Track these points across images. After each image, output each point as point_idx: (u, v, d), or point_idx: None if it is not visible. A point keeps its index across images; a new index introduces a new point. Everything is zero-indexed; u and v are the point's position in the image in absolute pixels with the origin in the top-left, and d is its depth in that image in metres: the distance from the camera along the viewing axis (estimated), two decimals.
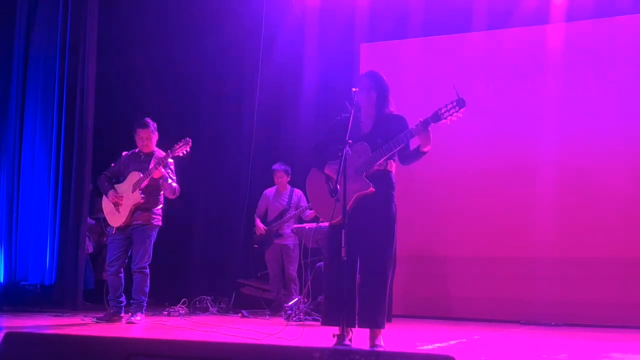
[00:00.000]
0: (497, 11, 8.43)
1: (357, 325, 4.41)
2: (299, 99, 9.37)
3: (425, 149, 4.44)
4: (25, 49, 8.35)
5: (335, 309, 4.23)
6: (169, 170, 6.52)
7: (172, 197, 6.54)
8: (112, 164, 6.70)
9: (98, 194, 7.21)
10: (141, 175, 6.37)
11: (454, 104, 4.32)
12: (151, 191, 6.43)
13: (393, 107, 4.65)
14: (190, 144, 6.37)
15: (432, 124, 4.36)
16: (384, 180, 4.51)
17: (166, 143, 6.61)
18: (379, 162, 4.46)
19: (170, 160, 6.51)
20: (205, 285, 9.00)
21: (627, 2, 7.90)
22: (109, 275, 6.50)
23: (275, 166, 8.20)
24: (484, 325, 7.11)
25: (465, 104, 4.31)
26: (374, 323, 4.41)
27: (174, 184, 6.47)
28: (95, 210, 9.08)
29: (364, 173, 4.47)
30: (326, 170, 4.58)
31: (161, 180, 6.35)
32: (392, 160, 4.56)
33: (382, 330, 4.45)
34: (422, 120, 4.38)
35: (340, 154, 4.24)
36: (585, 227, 7.70)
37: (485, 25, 8.48)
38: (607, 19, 7.99)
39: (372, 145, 4.50)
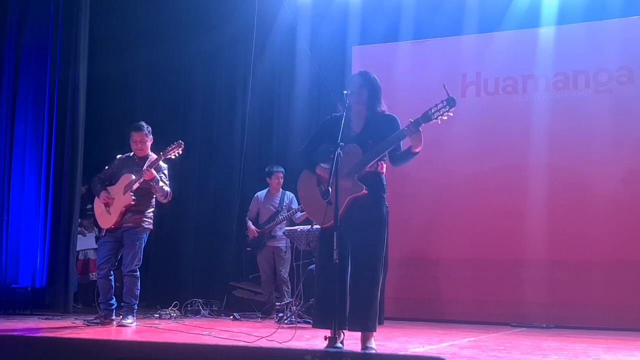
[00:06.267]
0: (488, 14, 8.47)
1: (347, 328, 4.41)
2: (291, 102, 9.39)
3: (417, 150, 4.45)
4: (16, 50, 8.32)
5: (327, 311, 4.22)
6: (162, 175, 6.50)
7: (163, 200, 6.51)
8: (106, 167, 6.68)
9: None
10: (133, 177, 6.35)
11: (444, 103, 4.33)
12: (143, 194, 6.41)
13: (384, 107, 4.65)
14: (183, 146, 6.37)
15: (422, 124, 4.36)
16: (375, 182, 4.51)
17: (157, 145, 6.61)
18: (370, 163, 4.47)
19: (164, 164, 6.50)
20: (197, 288, 9.00)
21: (617, 6, 7.95)
22: (98, 278, 6.47)
23: (274, 168, 8.20)
24: (475, 327, 7.12)
25: (455, 103, 4.31)
26: (365, 326, 4.41)
27: (166, 187, 6.45)
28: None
29: (356, 175, 4.47)
30: (318, 172, 4.57)
31: (152, 182, 6.32)
32: (382, 162, 4.56)
33: (373, 332, 4.46)
34: (412, 120, 4.39)
35: (331, 156, 4.24)
36: (575, 230, 7.74)
37: (476, 28, 8.52)
38: (597, 22, 8.04)
39: (362, 147, 4.49)
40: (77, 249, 9.29)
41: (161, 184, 6.39)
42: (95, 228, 9.09)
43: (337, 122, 4.43)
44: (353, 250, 4.42)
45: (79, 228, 9.32)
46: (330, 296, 4.17)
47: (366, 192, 4.43)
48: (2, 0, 8.33)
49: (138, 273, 6.40)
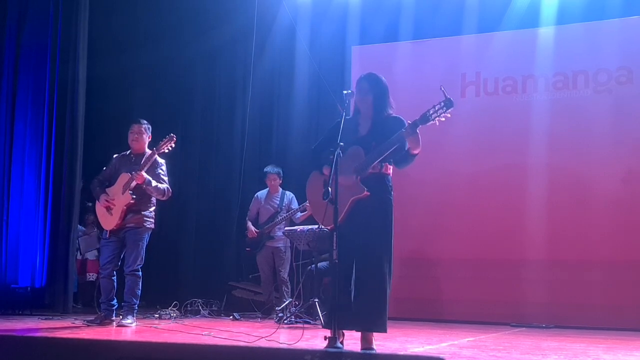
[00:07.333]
0: (488, 14, 8.47)
1: (356, 328, 4.42)
2: (291, 102, 9.39)
3: (415, 152, 4.45)
4: (15, 49, 8.32)
5: (337, 311, 4.23)
6: (160, 171, 6.50)
7: (162, 198, 6.52)
8: (104, 168, 6.68)
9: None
10: (130, 176, 6.34)
11: (442, 104, 4.34)
12: (142, 193, 6.39)
13: (391, 110, 4.65)
14: (175, 139, 6.40)
15: (420, 125, 4.37)
16: (379, 184, 4.51)
17: (156, 146, 6.60)
18: (372, 165, 4.47)
19: (161, 160, 6.50)
20: (197, 288, 9.01)
21: (617, 6, 7.96)
22: (101, 277, 6.47)
23: (268, 169, 8.19)
24: (475, 327, 7.13)
25: (453, 105, 4.32)
26: (374, 326, 4.41)
27: (162, 186, 6.44)
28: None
29: (358, 177, 4.48)
30: (325, 171, 4.57)
31: (144, 185, 6.32)
32: (387, 164, 4.56)
33: (373, 333, 4.46)
34: (410, 122, 4.40)
35: (331, 157, 4.25)
36: (575, 230, 7.74)
37: (475, 28, 8.52)
38: (597, 22, 8.04)
39: (365, 149, 4.50)
40: (84, 250, 9.34)
41: (154, 183, 6.37)
42: (96, 228, 9.11)
43: (347, 123, 4.44)
44: (360, 252, 4.42)
45: (83, 228, 9.35)
46: (337, 297, 4.19)
47: (368, 193, 4.43)
48: (1, 0, 8.32)
49: (140, 273, 6.40)
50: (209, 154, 9.81)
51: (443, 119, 4.35)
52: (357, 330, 4.45)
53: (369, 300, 4.38)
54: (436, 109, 4.34)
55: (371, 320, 4.39)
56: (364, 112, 4.64)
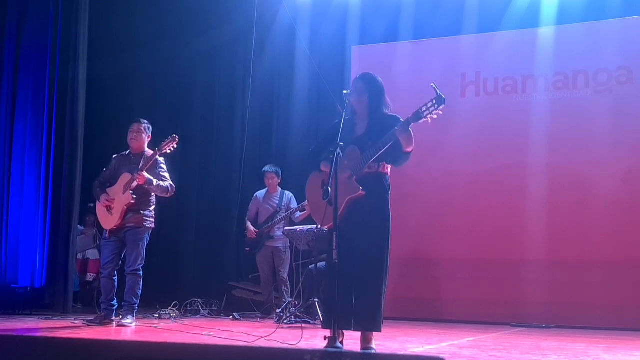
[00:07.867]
0: (488, 14, 8.48)
1: (353, 328, 4.42)
2: (291, 102, 9.40)
3: (408, 150, 4.44)
4: (15, 49, 8.32)
5: (336, 311, 4.23)
6: (160, 169, 6.50)
7: (167, 196, 6.53)
8: (104, 169, 6.68)
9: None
10: (131, 176, 6.35)
11: (434, 101, 4.34)
12: (143, 192, 6.40)
13: (388, 109, 4.65)
14: (177, 140, 6.40)
15: (412, 123, 4.37)
16: (376, 184, 4.51)
17: (157, 145, 6.61)
18: (368, 164, 4.47)
19: (160, 159, 6.50)
20: (197, 287, 9.01)
21: (617, 6, 7.96)
22: (102, 277, 6.47)
23: (266, 168, 8.20)
24: (475, 327, 7.13)
25: (444, 102, 4.32)
26: (371, 325, 4.42)
27: (164, 184, 6.44)
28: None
29: (354, 177, 4.48)
30: (322, 168, 4.59)
31: (147, 185, 6.33)
32: (385, 163, 4.56)
33: (373, 332, 4.46)
34: (403, 120, 4.41)
35: (331, 157, 4.26)
36: (575, 230, 7.74)
37: (475, 28, 8.52)
38: (597, 22, 8.04)
39: (362, 148, 4.50)
40: (79, 250, 9.34)
41: (156, 182, 6.37)
42: (96, 228, 9.10)
43: (345, 124, 4.45)
44: (358, 251, 4.42)
45: (82, 228, 9.35)
46: (335, 296, 4.19)
47: (363, 193, 4.43)
48: (1, 0, 8.32)
49: (141, 272, 6.40)
50: (209, 154, 9.81)
51: (435, 117, 4.35)
52: (355, 330, 4.45)
53: (366, 300, 4.38)
54: (428, 106, 4.35)
55: (369, 320, 4.39)
56: (360, 112, 4.64)
